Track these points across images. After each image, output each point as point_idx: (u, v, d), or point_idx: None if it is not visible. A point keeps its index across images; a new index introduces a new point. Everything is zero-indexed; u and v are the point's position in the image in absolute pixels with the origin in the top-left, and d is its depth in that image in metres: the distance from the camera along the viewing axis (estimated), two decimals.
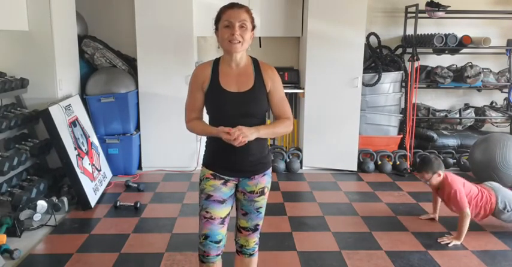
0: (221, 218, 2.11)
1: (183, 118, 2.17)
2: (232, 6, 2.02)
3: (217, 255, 2.15)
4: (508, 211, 3.32)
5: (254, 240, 2.24)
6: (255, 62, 2.12)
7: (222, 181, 2.11)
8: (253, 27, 2.05)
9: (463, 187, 3.33)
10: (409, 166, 4.94)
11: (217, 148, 2.08)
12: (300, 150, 5.12)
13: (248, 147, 2.01)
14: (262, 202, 2.18)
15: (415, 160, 5.03)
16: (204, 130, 2.07)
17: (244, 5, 2.05)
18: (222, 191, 2.11)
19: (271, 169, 2.20)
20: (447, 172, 3.47)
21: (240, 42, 1.98)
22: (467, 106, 5.59)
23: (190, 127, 2.13)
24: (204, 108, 2.15)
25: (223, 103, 2.03)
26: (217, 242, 2.12)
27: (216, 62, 2.11)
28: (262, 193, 2.15)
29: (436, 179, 3.37)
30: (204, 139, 2.34)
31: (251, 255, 2.25)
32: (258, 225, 2.21)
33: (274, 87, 2.10)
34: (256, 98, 2.05)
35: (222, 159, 2.09)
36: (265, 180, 2.16)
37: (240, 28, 1.98)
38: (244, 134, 1.91)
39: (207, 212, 2.10)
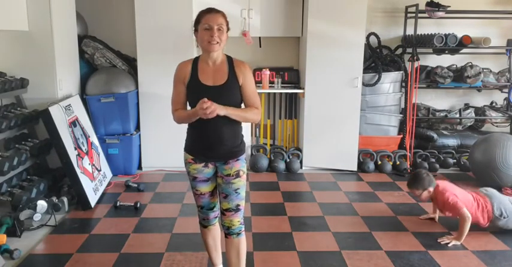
0: (209, 192, 2.47)
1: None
2: (210, 11, 2.28)
3: (215, 217, 2.55)
4: (504, 218, 3.32)
5: (238, 220, 2.42)
6: (229, 59, 2.38)
7: (203, 163, 2.41)
8: (228, 29, 2.33)
9: (455, 195, 3.35)
10: (409, 166, 4.93)
11: (196, 136, 2.38)
12: (300, 150, 5.12)
13: (221, 136, 2.31)
14: (239, 183, 2.39)
15: (415, 160, 5.03)
16: (187, 114, 2.32)
17: (220, 10, 2.31)
18: (205, 172, 2.42)
19: (244, 155, 2.46)
20: (439, 180, 3.51)
21: (218, 42, 2.25)
22: (467, 106, 5.59)
23: (176, 116, 2.39)
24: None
25: (201, 95, 2.25)
26: (211, 209, 2.52)
27: (196, 60, 2.38)
28: (237, 175, 2.38)
29: (425, 195, 3.44)
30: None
31: (238, 234, 2.42)
32: (239, 205, 2.41)
33: (245, 81, 2.35)
34: (230, 91, 2.32)
35: (199, 146, 2.38)
36: (239, 164, 2.40)
37: (217, 31, 2.24)
38: (215, 107, 2.17)
39: (196, 190, 2.46)
